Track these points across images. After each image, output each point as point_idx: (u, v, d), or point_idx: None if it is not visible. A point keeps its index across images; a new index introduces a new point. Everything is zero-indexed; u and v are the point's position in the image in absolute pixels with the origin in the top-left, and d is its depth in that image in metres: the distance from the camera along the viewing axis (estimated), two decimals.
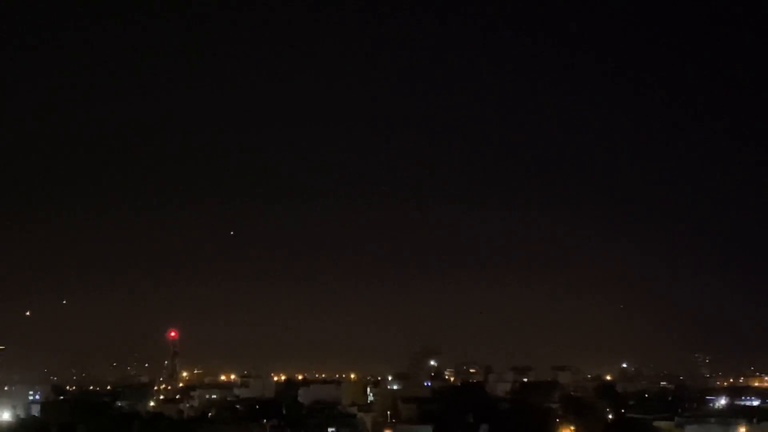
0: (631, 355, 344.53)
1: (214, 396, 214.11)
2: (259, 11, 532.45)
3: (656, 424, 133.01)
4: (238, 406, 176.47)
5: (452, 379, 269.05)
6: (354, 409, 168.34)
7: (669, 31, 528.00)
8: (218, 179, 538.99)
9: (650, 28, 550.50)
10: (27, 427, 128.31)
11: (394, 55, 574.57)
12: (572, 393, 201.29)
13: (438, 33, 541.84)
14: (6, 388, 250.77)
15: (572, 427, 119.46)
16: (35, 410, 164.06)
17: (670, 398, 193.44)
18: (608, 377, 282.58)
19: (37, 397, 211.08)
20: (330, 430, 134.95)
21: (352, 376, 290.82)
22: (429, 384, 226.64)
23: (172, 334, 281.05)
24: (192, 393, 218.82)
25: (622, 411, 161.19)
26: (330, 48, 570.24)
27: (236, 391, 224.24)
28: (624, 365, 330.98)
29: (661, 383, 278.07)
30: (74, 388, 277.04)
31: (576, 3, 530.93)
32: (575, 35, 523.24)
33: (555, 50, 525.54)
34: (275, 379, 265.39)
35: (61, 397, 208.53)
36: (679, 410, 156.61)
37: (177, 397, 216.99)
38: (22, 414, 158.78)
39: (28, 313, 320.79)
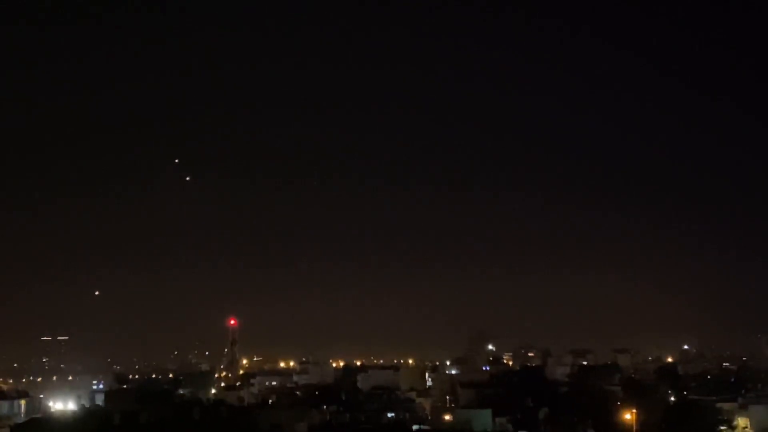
0: (693, 336, 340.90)
1: (273, 383, 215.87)
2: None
3: (719, 405, 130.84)
4: (297, 393, 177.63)
5: (511, 363, 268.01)
6: (412, 394, 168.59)
7: None
8: (281, 168, 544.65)
9: None
10: (91, 415, 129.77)
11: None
12: (632, 375, 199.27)
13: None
14: (71, 378, 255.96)
15: (633, 410, 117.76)
16: (99, 399, 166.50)
17: (732, 379, 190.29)
18: (669, 359, 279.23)
19: (101, 386, 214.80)
20: (389, 415, 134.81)
21: (410, 361, 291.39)
22: (487, 368, 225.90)
23: (232, 322, 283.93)
24: (252, 380, 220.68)
25: (684, 393, 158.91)
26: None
27: (295, 378, 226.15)
28: (685, 347, 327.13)
29: (724, 364, 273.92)
30: (136, 376, 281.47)
31: None
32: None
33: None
34: (334, 365, 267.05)
35: (124, 386, 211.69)
36: (743, 391, 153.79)
37: (237, 384, 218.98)
38: (86, 403, 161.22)
39: (96, 293, 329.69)
